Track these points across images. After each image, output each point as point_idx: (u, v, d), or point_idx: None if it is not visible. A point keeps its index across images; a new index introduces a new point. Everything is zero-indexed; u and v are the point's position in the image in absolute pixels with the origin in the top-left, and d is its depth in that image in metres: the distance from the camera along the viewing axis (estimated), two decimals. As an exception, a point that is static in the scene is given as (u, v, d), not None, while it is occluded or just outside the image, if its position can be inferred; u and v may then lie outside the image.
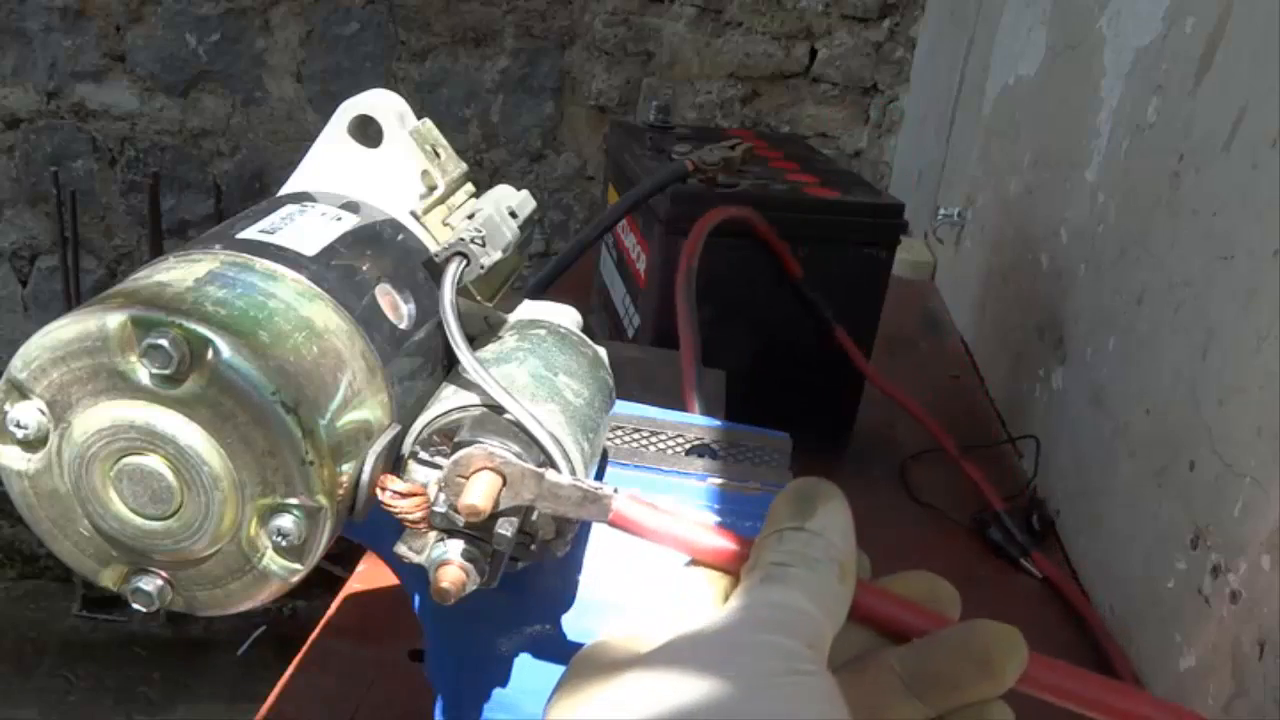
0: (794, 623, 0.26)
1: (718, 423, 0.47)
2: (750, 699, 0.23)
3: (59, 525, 0.30)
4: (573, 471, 0.33)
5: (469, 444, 0.31)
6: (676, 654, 0.25)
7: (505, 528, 0.31)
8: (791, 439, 0.46)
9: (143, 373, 0.28)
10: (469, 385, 0.34)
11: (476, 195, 0.41)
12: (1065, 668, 0.28)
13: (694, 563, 0.31)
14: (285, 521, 0.29)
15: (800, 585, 0.27)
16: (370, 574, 0.69)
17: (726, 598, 0.30)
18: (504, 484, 0.31)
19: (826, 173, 0.97)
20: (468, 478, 0.31)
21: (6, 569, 2.43)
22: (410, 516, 0.31)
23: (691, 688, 0.24)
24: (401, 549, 0.32)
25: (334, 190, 0.38)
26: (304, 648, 0.64)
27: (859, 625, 0.29)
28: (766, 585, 0.27)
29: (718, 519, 0.41)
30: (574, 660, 0.29)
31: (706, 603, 0.30)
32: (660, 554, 0.39)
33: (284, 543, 0.29)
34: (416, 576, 0.36)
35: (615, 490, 0.31)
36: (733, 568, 0.30)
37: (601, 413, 0.38)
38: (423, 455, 0.33)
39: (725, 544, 0.30)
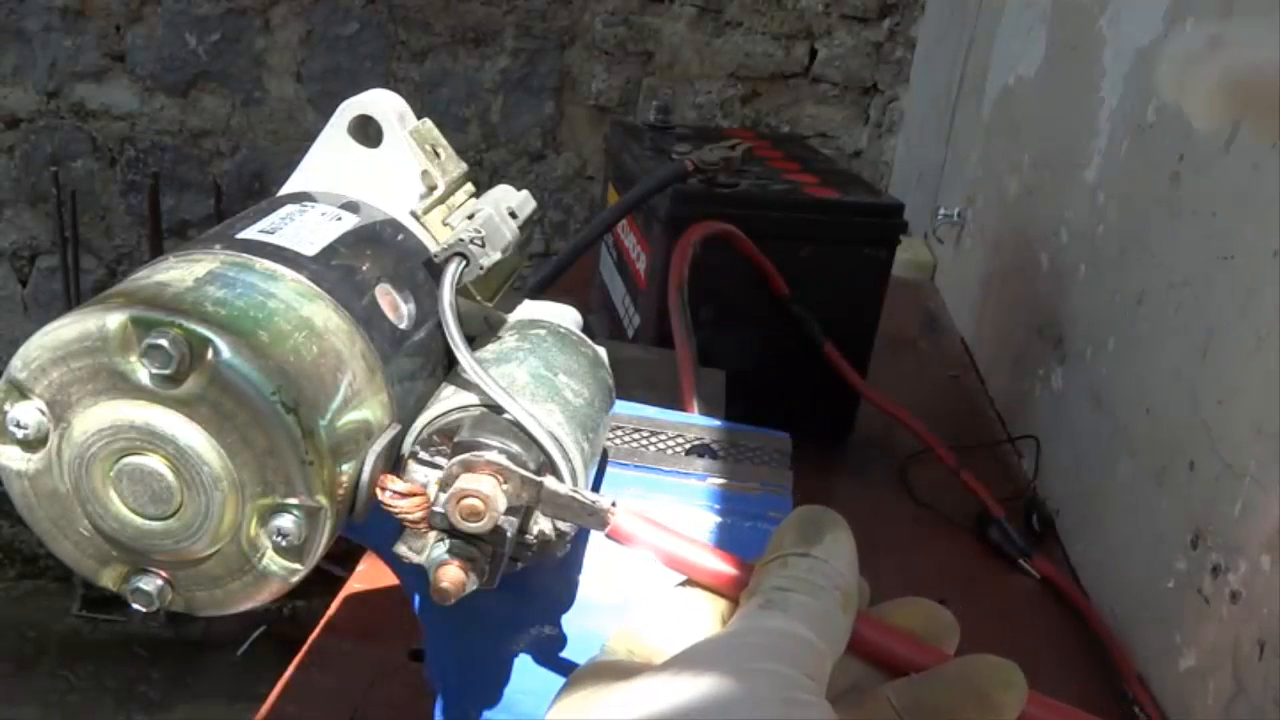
0: (795, 650, 0.25)
1: (718, 423, 0.47)
2: None
3: (59, 525, 0.30)
4: (573, 472, 0.33)
5: (469, 444, 0.31)
6: (674, 676, 0.25)
7: (505, 528, 0.31)
8: (791, 439, 0.46)
9: (143, 373, 0.28)
10: (469, 385, 0.34)
11: (477, 195, 0.41)
12: (1065, 708, 0.28)
13: (690, 582, 0.31)
14: (285, 521, 0.29)
15: (803, 612, 0.26)
16: (370, 574, 0.69)
17: (724, 621, 0.30)
18: (504, 484, 0.31)
19: (826, 173, 0.97)
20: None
21: (6, 569, 2.43)
22: (410, 516, 0.31)
23: (688, 713, 0.24)
24: (401, 549, 0.32)
25: (334, 190, 0.38)
26: (304, 648, 0.64)
27: (854, 657, 0.28)
28: (768, 610, 0.27)
29: (719, 518, 0.41)
30: (571, 676, 0.29)
31: (705, 624, 0.30)
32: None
33: (284, 543, 0.29)
34: (416, 576, 0.36)
35: (614, 504, 0.31)
36: (731, 592, 0.30)
37: (602, 412, 0.38)
38: (423, 455, 0.33)
39: (725, 568, 0.30)
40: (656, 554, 0.31)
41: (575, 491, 0.31)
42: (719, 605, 0.30)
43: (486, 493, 0.30)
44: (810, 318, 0.88)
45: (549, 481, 0.31)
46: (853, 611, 0.28)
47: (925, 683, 0.28)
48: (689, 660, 0.26)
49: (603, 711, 0.26)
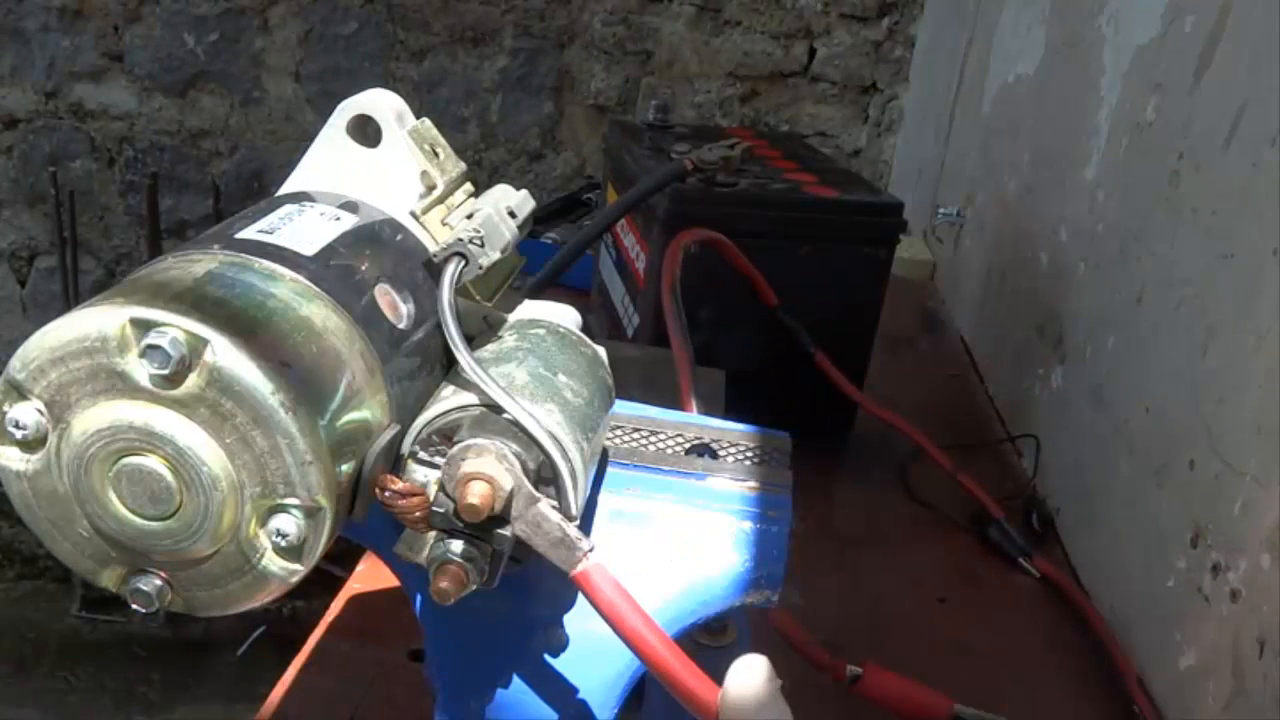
0: None
1: (717, 422, 0.47)
2: None
3: (58, 526, 0.30)
4: (572, 471, 0.33)
5: (468, 444, 0.31)
6: None
7: (505, 528, 0.31)
8: (791, 438, 0.46)
9: (141, 373, 0.28)
10: (468, 385, 0.34)
11: (475, 195, 0.41)
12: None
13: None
14: (285, 521, 0.29)
15: None
16: (370, 574, 0.69)
17: None
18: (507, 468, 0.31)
19: (826, 172, 0.97)
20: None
21: (6, 569, 2.43)
22: (410, 516, 0.31)
23: None
24: (401, 549, 0.32)
25: (333, 190, 0.38)
26: (304, 648, 0.64)
27: None
28: None
29: (718, 517, 0.41)
30: None
31: None
32: (663, 555, 0.39)
33: (283, 543, 0.29)
34: (416, 576, 0.36)
35: (592, 548, 0.31)
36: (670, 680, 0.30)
37: (601, 412, 0.38)
38: (422, 455, 0.33)
39: (670, 658, 0.31)
40: (613, 617, 0.31)
41: (564, 522, 0.31)
42: None
43: (491, 473, 0.30)
44: (799, 327, 0.88)
45: (544, 504, 0.31)
46: None
47: None
48: None
49: None
